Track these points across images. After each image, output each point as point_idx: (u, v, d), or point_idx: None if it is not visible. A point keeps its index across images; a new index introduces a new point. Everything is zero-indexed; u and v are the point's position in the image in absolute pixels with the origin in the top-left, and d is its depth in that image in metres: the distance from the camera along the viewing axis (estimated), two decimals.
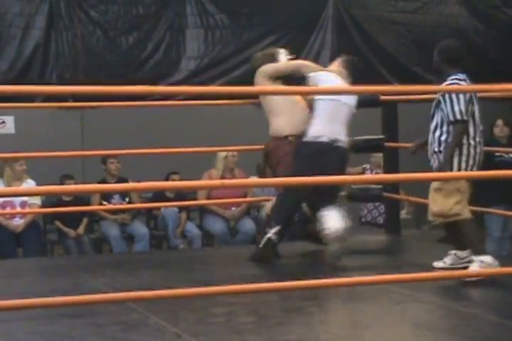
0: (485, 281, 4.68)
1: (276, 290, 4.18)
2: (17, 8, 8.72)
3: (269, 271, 5.44)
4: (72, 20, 8.86)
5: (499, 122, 7.20)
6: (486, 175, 5.02)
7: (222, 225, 8.06)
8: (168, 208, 8.05)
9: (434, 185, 5.03)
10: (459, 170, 4.94)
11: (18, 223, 7.70)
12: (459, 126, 4.95)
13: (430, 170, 5.00)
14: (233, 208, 8.12)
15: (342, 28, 9.82)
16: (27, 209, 7.69)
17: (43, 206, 7.78)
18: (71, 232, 7.82)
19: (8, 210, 7.61)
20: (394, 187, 6.83)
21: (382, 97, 6.43)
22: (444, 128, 5.00)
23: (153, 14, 9.29)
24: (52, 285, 4.97)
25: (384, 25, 10.05)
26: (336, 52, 9.73)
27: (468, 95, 4.97)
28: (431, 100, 6.32)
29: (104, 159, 8.00)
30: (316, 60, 9.69)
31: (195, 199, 8.19)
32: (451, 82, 4.97)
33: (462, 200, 4.99)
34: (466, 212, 5.01)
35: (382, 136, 6.73)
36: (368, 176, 6.38)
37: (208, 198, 8.00)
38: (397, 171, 6.68)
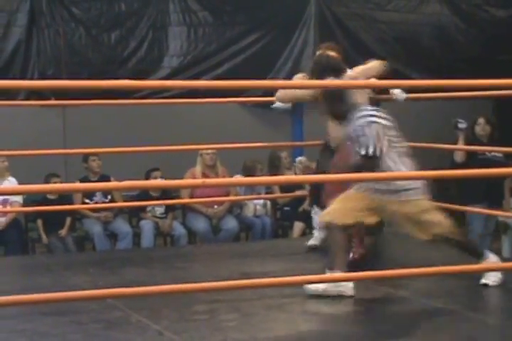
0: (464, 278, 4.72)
1: (256, 287, 4.18)
2: None
3: (252, 268, 5.44)
4: (54, 18, 8.84)
5: (481, 120, 7.20)
6: (469, 174, 5.01)
7: (204, 223, 8.05)
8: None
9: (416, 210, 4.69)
10: None
11: None
12: None
13: None
14: (215, 206, 8.12)
15: (324, 25, 9.85)
16: (9, 208, 7.65)
17: (25, 204, 7.73)
18: (44, 237, 7.79)
19: None
20: None
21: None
22: None
23: (136, 12, 9.28)
24: (33, 284, 4.95)
25: (366, 23, 10.09)
26: (318, 49, 9.76)
27: None
28: (413, 99, 6.37)
29: (86, 157, 7.96)
30: (298, 57, 9.75)
31: (178, 197, 8.19)
32: None
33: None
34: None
35: None
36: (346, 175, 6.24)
37: (191, 196, 8.00)
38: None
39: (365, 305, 4.37)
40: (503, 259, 6.73)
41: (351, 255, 5.35)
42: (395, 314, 4.21)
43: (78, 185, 6.55)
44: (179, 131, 8.81)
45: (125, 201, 8.08)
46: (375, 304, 4.40)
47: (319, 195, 5.63)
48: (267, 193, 8.48)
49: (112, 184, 5.92)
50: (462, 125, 6.83)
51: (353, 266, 5.18)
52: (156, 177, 8.04)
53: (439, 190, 10.04)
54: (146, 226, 8.03)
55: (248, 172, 8.31)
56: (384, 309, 4.28)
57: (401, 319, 4.10)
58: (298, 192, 7.92)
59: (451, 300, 4.49)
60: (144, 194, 7.96)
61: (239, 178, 7.75)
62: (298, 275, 5.17)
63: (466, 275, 4.77)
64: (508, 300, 4.49)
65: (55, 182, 7.68)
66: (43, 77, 8.70)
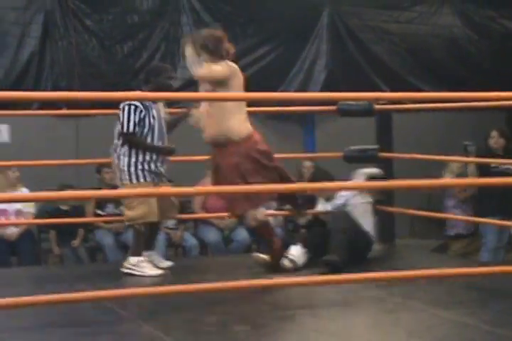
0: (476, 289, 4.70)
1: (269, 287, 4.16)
2: (12, 17, 8.76)
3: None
4: (68, 29, 8.90)
5: (494, 133, 7.12)
6: (485, 183, 5.01)
7: (216, 234, 8.06)
8: None
9: None
10: None
11: (12, 232, 7.69)
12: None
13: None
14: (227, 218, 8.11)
15: (337, 37, 9.88)
16: (22, 219, 7.67)
17: (38, 214, 7.76)
18: (56, 249, 7.84)
19: (2, 219, 7.61)
20: (389, 198, 6.73)
21: (377, 106, 6.43)
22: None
23: (149, 23, 9.33)
24: (46, 295, 4.95)
25: (378, 35, 10.11)
26: (330, 61, 9.79)
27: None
28: (426, 109, 6.36)
29: (99, 168, 7.97)
30: (311, 68, 9.76)
31: (190, 208, 8.18)
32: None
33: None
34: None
35: (376, 146, 6.67)
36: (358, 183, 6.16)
37: (203, 207, 8.00)
38: None
39: (375, 316, 4.35)
40: None
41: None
42: (405, 325, 4.19)
43: (89, 192, 6.54)
44: (191, 142, 8.79)
45: None
46: (386, 315, 4.38)
47: None
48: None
49: (124, 191, 5.90)
50: (471, 147, 6.81)
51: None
52: None
53: None
54: (158, 237, 8.02)
55: None
56: (395, 320, 4.27)
57: (412, 330, 4.08)
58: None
59: (462, 311, 4.48)
60: None
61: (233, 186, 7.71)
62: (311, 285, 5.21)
63: (477, 287, 4.77)
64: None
65: None
66: (56, 88, 8.75)
